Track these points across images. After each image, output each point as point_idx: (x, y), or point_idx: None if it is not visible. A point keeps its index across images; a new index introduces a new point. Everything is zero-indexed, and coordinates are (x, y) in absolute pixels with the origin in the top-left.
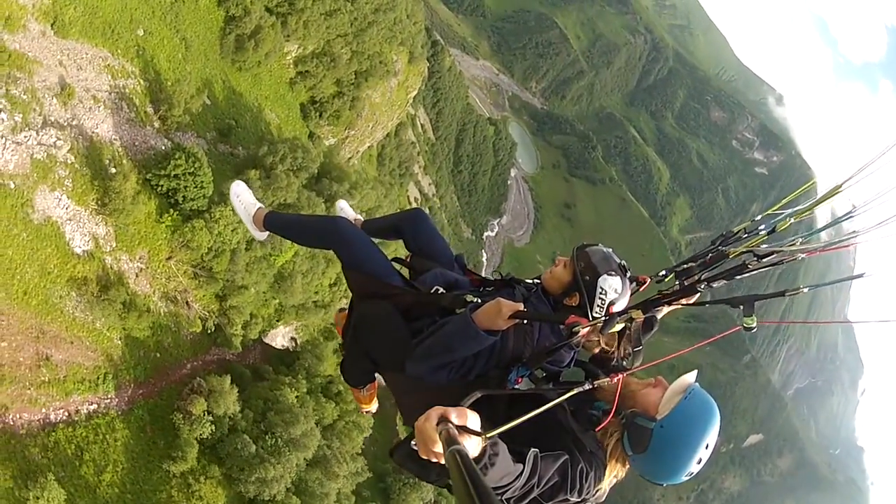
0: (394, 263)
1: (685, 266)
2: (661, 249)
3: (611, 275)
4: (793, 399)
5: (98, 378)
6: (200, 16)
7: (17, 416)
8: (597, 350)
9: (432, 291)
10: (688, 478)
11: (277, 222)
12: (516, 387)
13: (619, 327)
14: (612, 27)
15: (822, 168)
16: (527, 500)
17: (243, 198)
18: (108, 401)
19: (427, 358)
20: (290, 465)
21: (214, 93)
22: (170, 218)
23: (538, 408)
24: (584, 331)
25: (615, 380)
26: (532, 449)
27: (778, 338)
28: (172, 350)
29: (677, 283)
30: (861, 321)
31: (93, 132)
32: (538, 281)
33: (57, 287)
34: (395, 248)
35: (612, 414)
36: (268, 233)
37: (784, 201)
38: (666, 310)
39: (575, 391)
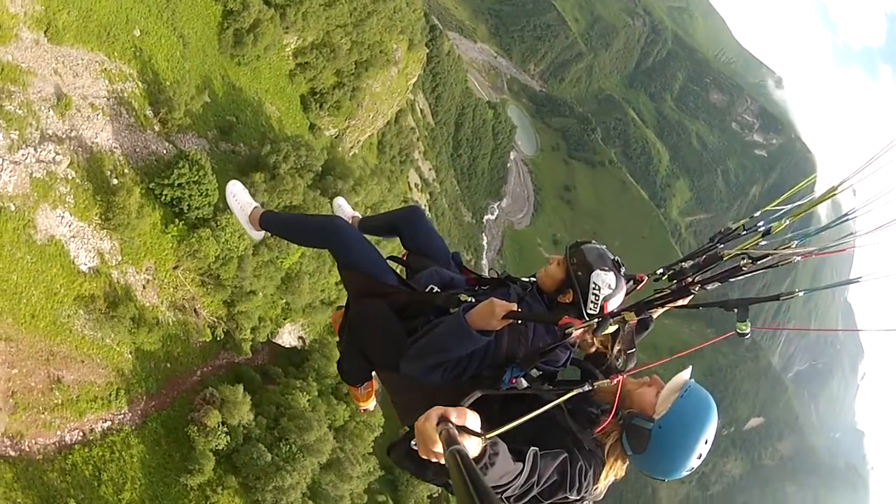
0: (391, 262)
1: (682, 264)
2: (661, 232)
3: (604, 270)
4: (793, 382)
5: (110, 394)
6: (198, 12)
7: (33, 441)
8: (592, 350)
9: (427, 290)
10: (688, 473)
11: (273, 222)
12: (512, 387)
13: (612, 329)
14: (610, 9)
15: (822, 152)
16: (526, 499)
17: (239, 197)
18: (122, 416)
19: (421, 357)
20: (306, 471)
21: (214, 89)
22: (175, 228)
23: (535, 408)
24: (577, 332)
25: (615, 381)
26: (532, 448)
27: (778, 320)
28: (182, 359)
29: (672, 284)
30: (860, 329)
31: (92, 142)
32: (534, 280)
33: (64, 307)
34: (392, 248)
35: (611, 415)
36: (264, 233)
37: (784, 197)
38: (660, 311)
39: (574, 392)
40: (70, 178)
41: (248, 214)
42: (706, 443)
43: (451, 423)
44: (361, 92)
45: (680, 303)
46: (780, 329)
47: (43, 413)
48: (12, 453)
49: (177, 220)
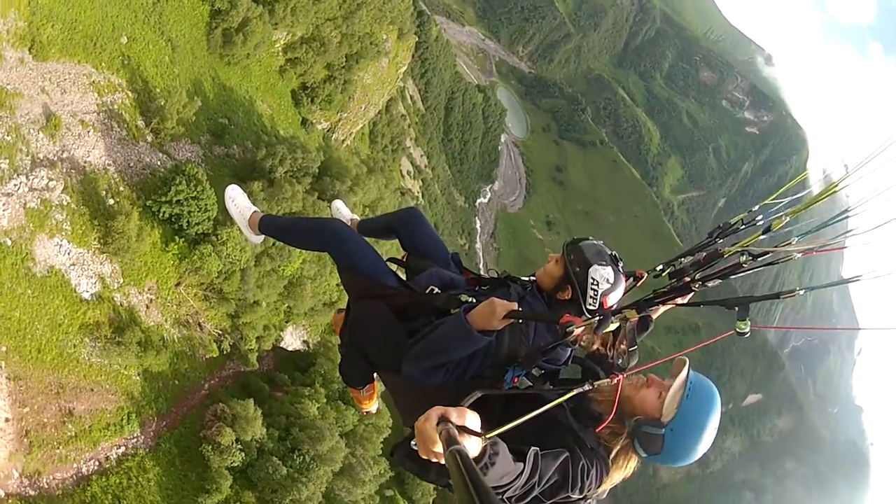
0: (390, 264)
1: (681, 260)
2: (653, 210)
3: (602, 265)
4: (789, 358)
5: (122, 419)
6: (185, 13)
7: (51, 477)
8: (594, 347)
9: (427, 291)
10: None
11: (272, 226)
12: (514, 386)
13: (613, 327)
14: None
15: (813, 128)
16: (528, 499)
17: (238, 202)
18: (135, 440)
19: (422, 359)
20: (321, 481)
21: (204, 91)
22: (176, 246)
23: (536, 407)
24: (578, 330)
25: (615, 380)
26: (532, 447)
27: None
28: (189, 374)
29: (672, 282)
30: (860, 328)
31: (85, 162)
32: (533, 279)
33: (70, 337)
34: (389, 249)
35: (612, 414)
36: (263, 237)
37: (781, 190)
38: (661, 310)
39: (574, 392)
40: (65, 203)
41: (248, 219)
42: (716, 429)
43: (452, 422)
44: (353, 84)
45: (679, 301)
46: (780, 328)
47: (58, 448)
48: (31, 492)
49: (177, 238)
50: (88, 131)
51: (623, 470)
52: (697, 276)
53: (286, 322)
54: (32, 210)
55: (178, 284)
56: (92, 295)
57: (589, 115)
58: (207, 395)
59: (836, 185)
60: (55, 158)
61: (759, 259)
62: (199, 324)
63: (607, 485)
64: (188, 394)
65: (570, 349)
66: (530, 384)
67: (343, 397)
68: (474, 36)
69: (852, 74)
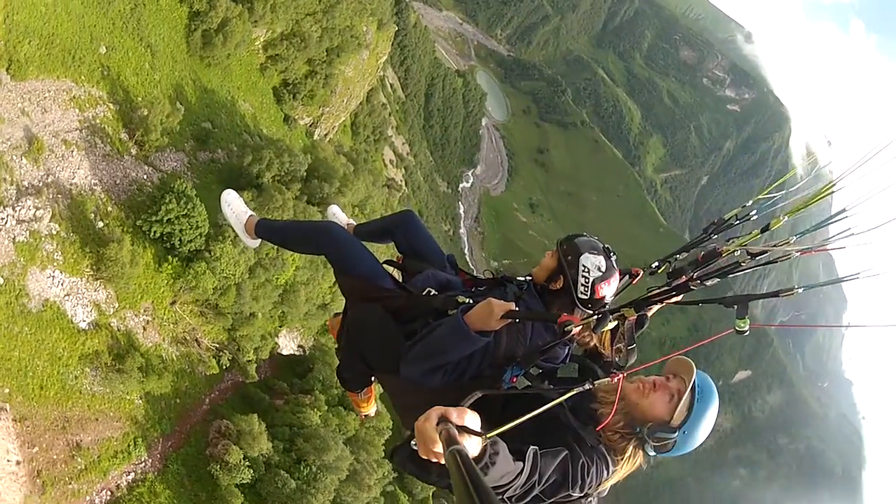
0: (386, 266)
1: (677, 257)
2: (636, 189)
3: (593, 254)
4: (778, 334)
5: (128, 445)
6: (163, 16)
7: None
8: (591, 345)
9: (424, 293)
10: None
11: (269, 229)
12: (513, 386)
13: (611, 325)
14: None
15: (795, 105)
16: (528, 498)
17: (234, 206)
18: (143, 464)
19: (420, 360)
20: (328, 490)
21: (186, 96)
22: (170, 266)
23: (536, 406)
24: (576, 329)
25: (615, 379)
26: (531, 447)
27: (759, 273)
28: (190, 391)
29: (669, 281)
30: (854, 325)
31: (71, 184)
32: (530, 278)
33: (70, 369)
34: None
35: (612, 413)
36: (260, 240)
37: (774, 185)
38: (657, 307)
39: (574, 391)
40: (54, 233)
41: (244, 223)
42: (715, 417)
43: (452, 422)
44: (334, 78)
45: (675, 299)
46: (780, 326)
47: (70, 483)
48: None
49: (170, 258)
50: (72, 151)
51: (631, 467)
52: (696, 275)
53: (280, 327)
54: (22, 244)
55: (173, 303)
56: (89, 324)
57: (569, 96)
58: (209, 409)
59: (832, 185)
60: (40, 184)
61: (758, 258)
62: (197, 340)
63: (611, 482)
64: (190, 411)
65: (567, 347)
66: (529, 383)
67: (343, 402)
68: (452, 20)
69: (834, 51)
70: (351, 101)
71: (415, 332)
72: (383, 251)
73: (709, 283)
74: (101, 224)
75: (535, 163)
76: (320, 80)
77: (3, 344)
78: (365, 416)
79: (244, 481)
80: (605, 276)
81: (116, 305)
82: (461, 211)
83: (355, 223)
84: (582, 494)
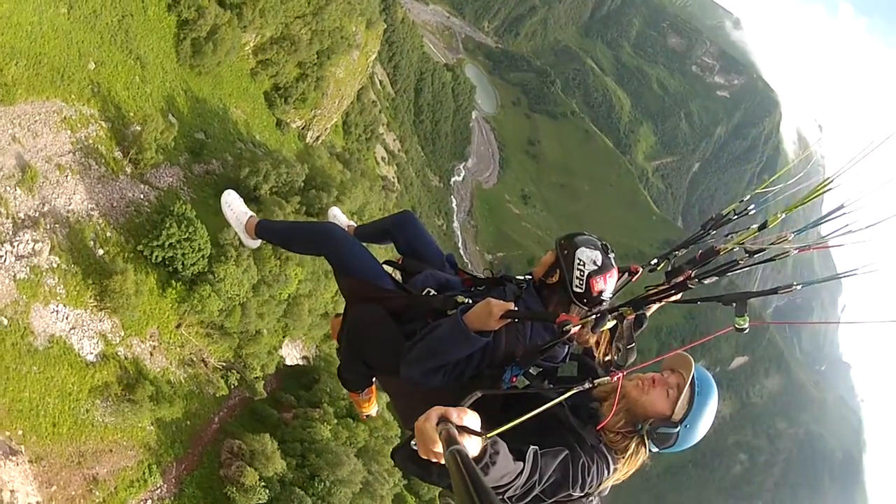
0: (386, 267)
1: (676, 254)
2: (628, 178)
3: (589, 248)
4: (774, 318)
5: (144, 473)
6: (151, 26)
7: None
8: (592, 342)
9: (423, 293)
10: None
11: (269, 230)
12: (513, 386)
13: (610, 325)
14: None
15: (784, 90)
16: (529, 498)
17: (235, 207)
18: (160, 490)
19: (420, 361)
20: None
21: (178, 107)
22: (174, 291)
23: (535, 406)
24: (574, 329)
25: (615, 378)
26: (531, 447)
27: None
28: (199, 411)
29: (667, 279)
30: (849, 321)
31: (67, 211)
32: (529, 277)
33: (81, 403)
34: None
35: (612, 411)
36: (260, 241)
37: (770, 180)
38: (655, 306)
39: (574, 391)
40: (55, 266)
41: (244, 224)
42: (716, 408)
43: (451, 422)
44: (325, 81)
45: (674, 298)
46: (779, 324)
47: None
48: None
49: (173, 282)
50: (66, 175)
51: (634, 465)
52: (694, 274)
53: (283, 337)
54: (23, 281)
55: (178, 326)
56: (96, 356)
57: (558, 86)
58: (219, 428)
59: (829, 182)
60: (36, 214)
61: (756, 256)
62: (203, 360)
63: (612, 481)
64: (200, 431)
65: (567, 347)
66: (529, 383)
67: (351, 414)
68: (439, 14)
69: (822, 34)
70: (343, 101)
71: (414, 332)
72: (382, 253)
73: (707, 281)
74: (101, 252)
75: (526, 154)
76: (311, 82)
77: (13, 385)
78: (367, 415)
79: (261, 502)
80: (600, 271)
81: (122, 334)
82: (454, 205)
83: (356, 225)
84: (583, 494)
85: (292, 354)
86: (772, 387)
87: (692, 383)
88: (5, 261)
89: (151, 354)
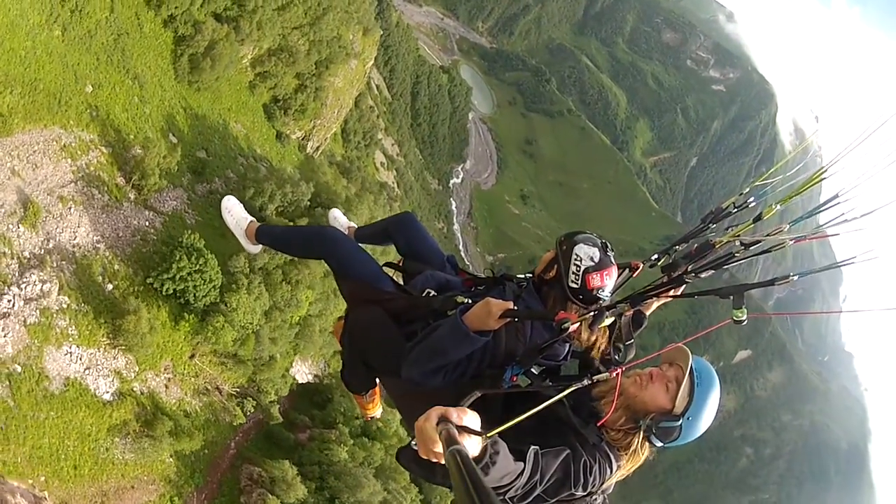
0: (387, 269)
1: (676, 248)
2: (626, 175)
3: (587, 244)
4: (775, 310)
5: None
6: (148, 44)
7: None
8: (591, 339)
9: (424, 294)
10: None
11: (269, 235)
12: (513, 385)
13: (608, 321)
14: None
15: (780, 82)
16: (530, 498)
17: (235, 212)
18: None
19: (421, 361)
20: None
21: (178, 125)
22: (187, 324)
23: (536, 405)
24: (573, 326)
25: (614, 374)
26: (532, 447)
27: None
28: (216, 439)
29: (665, 275)
30: (850, 311)
31: (73, 246)
32: (529, 275)
33: (100, 443)
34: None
35: (612, 409)
36: (261, 246)
37: (769, 172)
38: (654, 306)
39: (574, 388)
40: (65, 306)
41: (244, 229)
42: (718, 400)
43: (451, 422)
44: (324, 91)
45: (673, 293)
46: (778, 315)
47: None
48: None
49: (185, 314)
50: (69, 207)
51: (638, 462)
52: (690, 268)
53: (294, 355)
54: (34, 325)
55: (192, 357)
56: (112, 394)
57: (554, 85)
58: (236, 453)
59: (824, 171)
60: (42, 252)
61: (752, 248)
62: (218, 388)
63: (616, 478)
64: (218, 458)
65: (568, 345)
66: (530, 382)
67: (367, 432)
68: (432, 15)
69: (816, 25)
70: (342, 111)
71: (415, 333)
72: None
73: (703, 275)
74: (110, 286)
75: (523, 154)
76: (311, 93)
77: (32, 433)
78: (370, 417)
79: None
80: (597, 268)
81: (137, 369)
82: (453, 207)
83: (356, 226)
84: (586, 493)
85: (302, 371)
86: (775, 379)
87: (691, 375)
88: (14, 305)
89: (167, 387)
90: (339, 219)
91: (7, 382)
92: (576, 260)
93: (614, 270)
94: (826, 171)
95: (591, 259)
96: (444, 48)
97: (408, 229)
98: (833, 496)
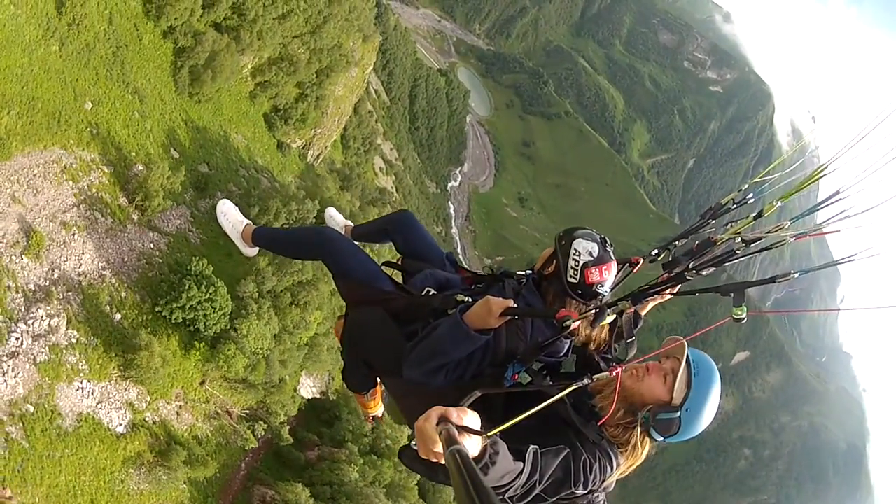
0: (386, 268)
1: (676, 244)
2: (624, 176)
3: (586, 239)
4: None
5: None
6: (147, 56)
7: None
8: (592, 336)
9: (423, 293)
10: None
11: (265, 237)
12: (515, 383)
13: (610, 319)
14: None
15: (777, 82)
16: (529, 498)
17: (230, 216)
18: None
19: (422, 361)
20: None
21: (179, 139)
22: (198, 352)
23: (537, 404)
24: (574, 324)
25: (614, 372)
26: (531, 446)
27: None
28: (228, 462)
29: (665, 272)
30: (848, 308)
31: (79, 275)
32: (529, 272)
33: (115, 475)
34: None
35: (613, 406)
36: (257, 248)
37: (769, 168)
38: (650, 304)
39: (574, 387)
40: (74, 340)
41: (240, 232)
42: (719, 394)
43: (451, 422)
44: (325, 100)
45: (672, 290)
46: (777, 314)
47: None
48: None
49: (196, 342)
50: (73, 234)
51: (638, 458)
52: (691, 265)
53: (301, 370)
54: (44, 363)
55: (202, 383)
56: (125, 426)
57: (551, 87)
58: (246, 474)
59: (824, 168)
60: (47, 283)
61: (753, 245)
62: (228, 411)
63: (618, 475)
64: (230, 481)
65: (569, 341)
66: (530, 380)
67: (375, 450)
68: (430, 18)
69: (813, 24)
70: (342, 119)
71: (416, 332)
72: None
73: (704, 272)
74: (118, 316)
75: (521, 156)
76: (311, 102)
77: (49, 472)
78: (373, 416)
79: None
80: (596, 262)
81: (148, 399)
82: (451, 210)
83: (353, 224)
84: (587, 491)
85: (307, 385)
86: (774, 380)
87: (688, 365)
88: (22, 343)
89: (178, 414)
90: (335, 217)
91: (21, 424)
92: (574, 255)
93: (614, 265)
94: (827, 167)
95: (590, 254)
96: (442, 50)
97: (406, 228)
98: (832, 496)
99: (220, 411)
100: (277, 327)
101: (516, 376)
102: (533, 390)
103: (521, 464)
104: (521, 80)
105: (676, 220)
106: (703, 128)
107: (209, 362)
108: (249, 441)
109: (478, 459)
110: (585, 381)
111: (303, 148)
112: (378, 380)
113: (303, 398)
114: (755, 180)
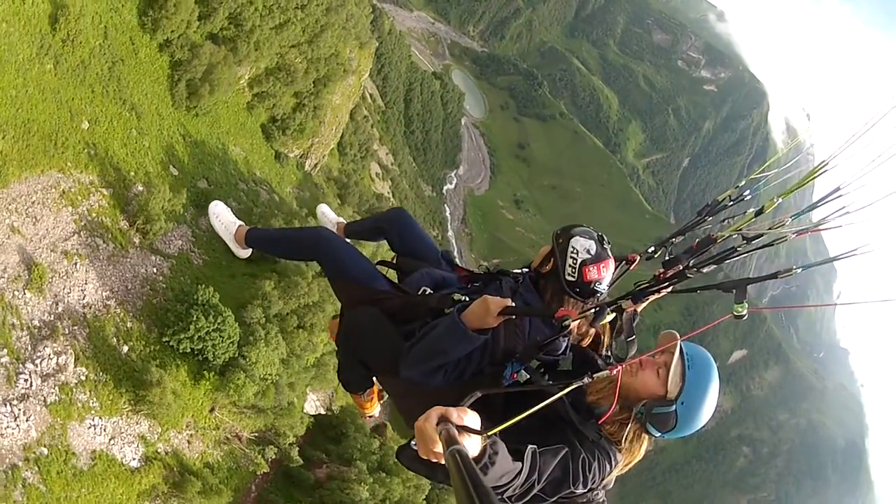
0: (381, 267)
1: (673, 241)
2: (619, 177)
3: (584, 237)
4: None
5: None
6: (144, 70)
7: None
8: (589, 339)
9: (419, 292)
10: None
11: (259, 239)
12: (514, 382)
13: (609, 318)
14: None
15: (771, 80)
16: (528, 497)
17: (223, 218)
18: None
19: (420, 361)
20: None
21: (178, 155)
22: (207, 382)
23: (537, 403)
24: (574, 323)
25: (614, 371)
26: (530, 446)
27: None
28: (239, 486)
29: (664, 269)
30: (846, 302)
31: (83, 307)
32: (525, 270)
33: None
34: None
35: (613, 405)
36: (250, 250)
37: (765, 165)
38: (653, 298)
39: (574, 386)
40: (83, 378)
41: (233, 234)
42: (717, 388)
43: (451, 422)
44: (322, 109)
45: (672, 288)
46: (775, 310)
47: None
48: None
49: (205, 372)
50: (75, 263)
51: (636, 455)
52: (692, 263)
53: (306, 387)
54: (54, 404)
55: (212, 410)
56: (139, 460)
57: (546, 88)
58: (257, 496)
59: (825, 165)
60: (52, 318)
61: (754, 242)
62: (237, 435)
63: (617, 473)
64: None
65: (567, 338)
66: (529, 377)
67: (384, 467)
68: (423, 20)
69: (807, 22)
70: (339, 127)
71: (413, 332)
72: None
73: (705, 270)
74: (126, 349)
75: (516, 158)
76: (309, 112)
77: None
78: (369, 416)
79: None
80: (594, 260)
81: (160, 431)
82: (447, 214)
83: (345, 221)
84: (586, 490)
85: (311, 399)
86: (771, 378)
87: (682, 358)
88: (32, 385)
89: (189, 442)
90: (327, 214)
91: (36, 468)
92: (572, 253)
93: (611, 263)
94: (827, 164)
95: (588, 251)
96: (436, 53)
97: (401, 226)
98: (831, 493)
99: (229, 436)
100: (285, 351)
101: (515, 375)
102: (532, 389)
103: (520, 464)
104: (515, 81)
105: (672, 219)
106: (697, 127)
107: (219, 391)
108: (261, 466)
109: (477, 459)
110: (586, 380)
111: (300, 157)
112: (375, 379)
113: (308, 415)
114: (752, 177)
